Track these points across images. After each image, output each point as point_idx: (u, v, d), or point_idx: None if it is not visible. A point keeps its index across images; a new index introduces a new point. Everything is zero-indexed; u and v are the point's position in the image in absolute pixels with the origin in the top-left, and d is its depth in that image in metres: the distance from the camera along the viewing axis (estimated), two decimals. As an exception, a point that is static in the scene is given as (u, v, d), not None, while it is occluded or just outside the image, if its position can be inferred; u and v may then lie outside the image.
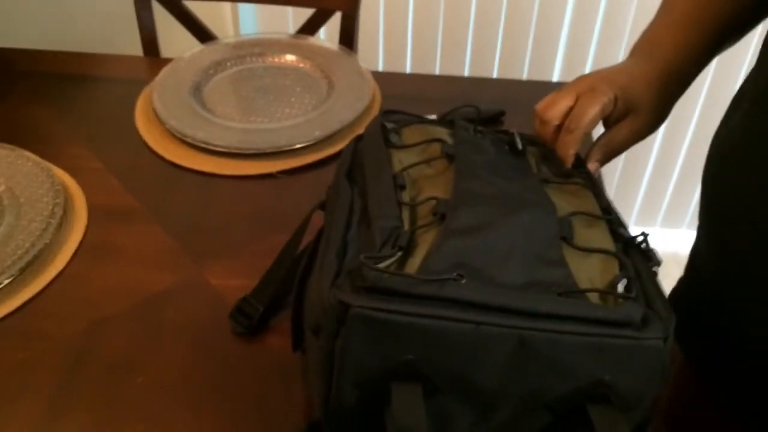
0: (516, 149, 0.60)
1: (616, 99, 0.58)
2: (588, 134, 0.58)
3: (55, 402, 0.57)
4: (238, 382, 0.59)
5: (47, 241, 0.70)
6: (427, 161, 0.56)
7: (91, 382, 0.59)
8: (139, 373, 0.59)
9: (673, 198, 1.75)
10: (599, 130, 0.62)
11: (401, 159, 0.56)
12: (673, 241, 1.78)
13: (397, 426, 0.41)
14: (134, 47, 1.20)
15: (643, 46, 0.62)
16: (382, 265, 0.44)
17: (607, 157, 0.61)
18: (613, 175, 1.73)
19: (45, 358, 0.61)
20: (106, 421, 0.56)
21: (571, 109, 0.58)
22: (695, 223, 0.65)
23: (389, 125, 0.60)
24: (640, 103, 0.59)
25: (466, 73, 1.60)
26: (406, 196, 0.52)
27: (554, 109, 0.58)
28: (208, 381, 0.59)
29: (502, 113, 0.92)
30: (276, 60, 1.01)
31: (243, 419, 0.56)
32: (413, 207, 0.50)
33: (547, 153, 0.61)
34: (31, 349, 0.61)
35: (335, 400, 0.45)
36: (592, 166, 0.60)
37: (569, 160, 0.58)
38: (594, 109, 0.57)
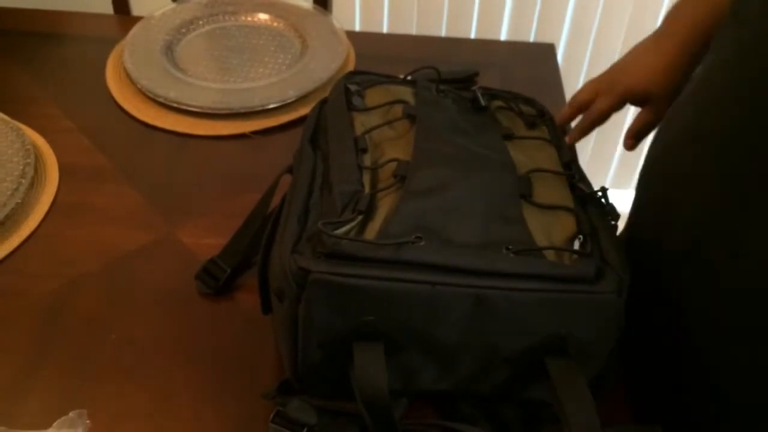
0: (479, 106, 0.60)
1: (624, 99, 0.70)
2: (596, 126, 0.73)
3: (29, 360, 0.58)
4: (211, 339, 0.60)
5: (19, 201, 0.70)
6: (390, 123, 0.56)
7: (65, 340, 0.60)
8: (112, 330, 0.60)
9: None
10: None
11: (364, 122, 0.56)
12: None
13: (359, 384, 0.43)
14: (104, 5, 1.18)
15: (666, 19, 0.68)
16: (342, 231, 0.45)
17: (638, 138, 0.73)
18: (589, 138, 1.74)
19: (19, 317, 0.61)
20: (80, 378, 0.57)
21: (587, 102, 0.72)
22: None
23: (353, 87, 0.59)
24: (651, 94, 0.68)
25: (443, 33, 1.59)
26: (367, 160, 0.52)
27: (574, 100, 0.73)
28: (181, 338, 0.60)
29: (475, 74, 0.92)
30: (249, 19, 1.00)
31: (216, 375, 0.57)
32: (374, 170, 0.51)
33: (512, 104, 0.62)
34: (5, 308, 0.62)
35: (302, 361, 0.47)
36: (627, 143, 0.74)
37: (570, 142, 0.71)
38: (601, 108, 0.71)
